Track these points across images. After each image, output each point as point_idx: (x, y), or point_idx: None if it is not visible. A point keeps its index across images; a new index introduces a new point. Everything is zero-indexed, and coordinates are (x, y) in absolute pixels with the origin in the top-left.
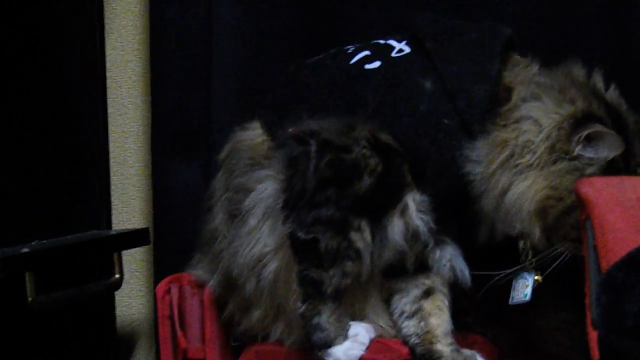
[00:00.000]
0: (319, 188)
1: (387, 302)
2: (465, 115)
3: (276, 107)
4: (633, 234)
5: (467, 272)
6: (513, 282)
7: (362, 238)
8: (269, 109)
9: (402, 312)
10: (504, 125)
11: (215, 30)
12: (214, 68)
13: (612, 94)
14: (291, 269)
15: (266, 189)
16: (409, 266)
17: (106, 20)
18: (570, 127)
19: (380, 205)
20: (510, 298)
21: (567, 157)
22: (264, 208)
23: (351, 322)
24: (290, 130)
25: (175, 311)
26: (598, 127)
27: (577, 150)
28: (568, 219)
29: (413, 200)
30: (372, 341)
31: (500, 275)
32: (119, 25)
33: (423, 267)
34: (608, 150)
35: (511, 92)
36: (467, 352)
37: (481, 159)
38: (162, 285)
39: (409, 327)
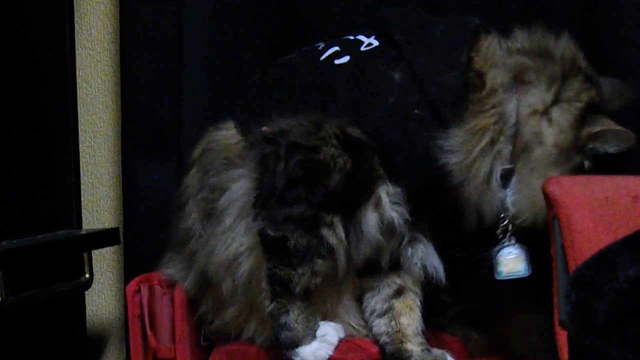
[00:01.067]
0: (288, 187)
1: (359, 300)
2: (437, 104)
3: (248, 106)
4: (601, 233)
5: (440, 270)
6: (495, 258)
7: (334, 234)
8: (242, 108)
9: (373, 311)
10: (481, 112)
11: (185, 30)
12: (184, 68)
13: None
14: (263, 270)
15: (241, 188)
16: (384, 263)
17: (76, 20)
18: (577, 121)
19: (352, 200)
20: (497, 273)
21: (576, 150)
22: (239, 207)
23: (320, 322)
24: (263, 129)
25: (146, 311)
26: (606, 123)
27: (588, 145)
28: None
29: (386, 193)
30: (341, 341)
31: (482, 254)
32: (89, 24)
33: (396, 265)
34: (618, 146)
35: (484, 77)
36: (437, 351)
37: (457, 147)
38: (132, 285)
39: (380, 325)
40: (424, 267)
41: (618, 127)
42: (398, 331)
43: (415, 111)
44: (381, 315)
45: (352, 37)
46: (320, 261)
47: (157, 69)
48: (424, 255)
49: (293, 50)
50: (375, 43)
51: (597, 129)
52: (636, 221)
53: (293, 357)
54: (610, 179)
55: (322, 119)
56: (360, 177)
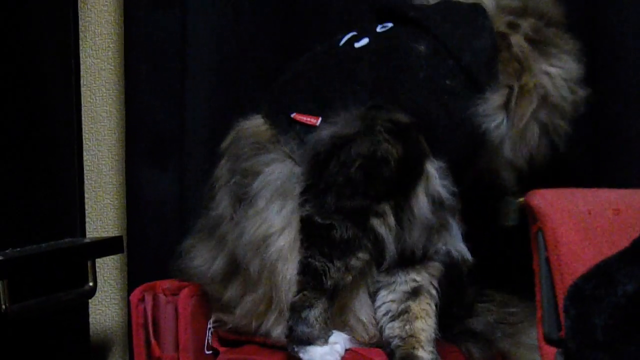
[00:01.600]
0: (348, 184)
1: (374, 295)
2: (472, 70)
3: (274, 99)
4: (585, 246)
5: (466, 253)
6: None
7: (384, 223)
8: (268, 102)
9: (388, 311)
10: (519, 71)
11: (189, 40)
12: (188, 77)
13: None
14: (293, 250)
15: (273, 171)
16: (431, 244)
17: (81, 28)
18: None
19: (405, 184)
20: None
21: None
22: (271, 190)
23: (333, 330)
24: (292, 115)
25: (149, 319)
26: None
27: None
28: None
29: (434, 168)
30: (347, 351)
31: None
32: (94, 33)
33: (416, 259)
34: None
35: (508, 38)
36: None
37: (496, 110)
38: (136, 294)
39: (394, 328)
40: (449, 252)
41: None
42: (412, 336)
43: (447, 82)
44: (396, 317)
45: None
46: (360, 255)
47: (161, 77)
48: (449, 240)
49: (297, 58)
50: (390, 25)
51: None
52: (618, 234)
53: (301, 354)
54: (592, 192)
55: (372, 116)
56: (411, 159)
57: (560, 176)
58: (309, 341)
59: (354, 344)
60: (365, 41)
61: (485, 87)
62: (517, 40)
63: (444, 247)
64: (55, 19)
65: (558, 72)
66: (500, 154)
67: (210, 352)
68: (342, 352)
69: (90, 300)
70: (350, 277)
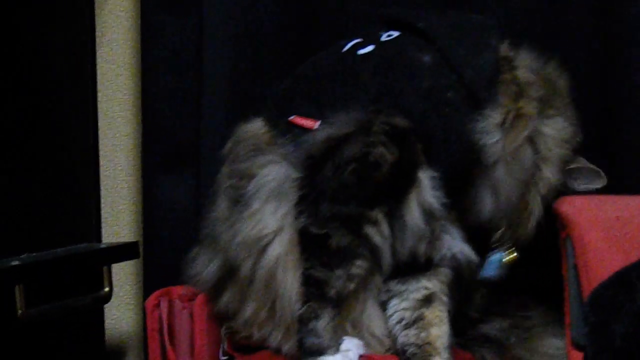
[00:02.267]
0: (340, 189)
1: (383, 305)
2: (473, 86)
3: (276, 103)
4: (614, 253)
5: (471, 254)
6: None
7: (378, 232)
8: (268, 107)
9: (401, 319)
10: (517, 94)
11: (206, 46)
12: (205, 83)
13: None
14: (291, 259)
15: (269, 173)
16: (421, 254)
17: (97, 34)
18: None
19: (397, 189)
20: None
21: None
22: (267, 192)
23: (344, 337)
24: (290, 118)
25: (165, 325)
26: (582, 162)
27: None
28: None
29: (426, 178)
30: (361, 357)
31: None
32: (110, 38)
33: (425, 267)
34: (588, 185)
35: (512, 61)
36: None
37: (493, 128)
38: (151, 299)
39: (409, 336)
40: (454, 256)
41: (593, 166)
42: (428, 343)
43: (449, 94)
44: (410, 325)
45: (369, 32)
46: (359, 262)
47: (178, 83)
48: (452, 243)
49: None
50: (396, 33)
51: (574, 165)
52: None
53: None
54: (622, 198)
55: (370, 118)
56: (405, 165)
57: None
58: (320, 352)
59: (368, 349)
60: (370, 48)
61: (485, 104)
62: (523, 70)
63: (449, 252)
64: (72, 25)
65: (551, 133)
66: (492, 175)
67: (226, 357)
68: (356, 359)
69: (105, 306)
70: (354, 285)
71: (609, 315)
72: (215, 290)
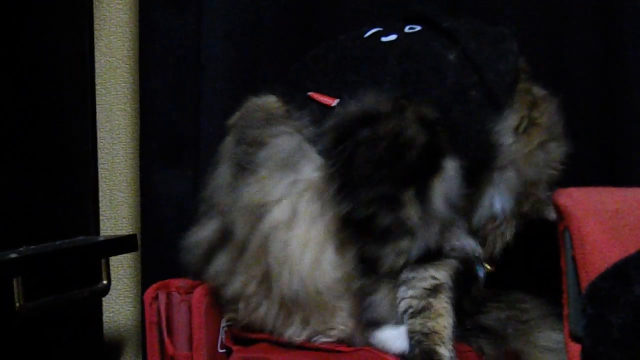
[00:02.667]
0: (377, 169)
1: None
2: (493, 88)
3: (291, 80)
4: (612, 245)
5: (475, 246)
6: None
7: (411, 215)
8: (282, 83)
9: (409, 307)
10: (533, 104)
11: (204, 39)
12: (204, 75)
13: None
14: (289, 229)
15: (281, 144)
16: (445, 241)
17: (95, 27)
18: None
19: (425, 173)
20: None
21: None
22: (276, 161)
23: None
24: (309, 94)
25: (163, 318)
26: None
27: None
28: None
29: (451, 166)
30: (361, 350)
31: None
32: (109, 31)
33: (433, 257)
34: None
35: (528, 74)
36: None
37: (508, 130)
38: (149, 292)
39: (415, 324)
40: (463, 249)
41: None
42: (435, 332)
43: (472, 92)
44: (417, 313)
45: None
46: (405, 240)
47: (176, 76)
48: (461, 236)
49: None
50: (418, 27)
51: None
52: None
53: (371, 339)
54: (620, 190)
55: (403, 102)
56: (433, 150)
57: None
58: (379, 323)
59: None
60: (393, 37)
61: (504, 106)
62: (537, 88)
63: (458, 244)
64: (70, 17)
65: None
66: (502, 176)
67: (224, 350)
68: (404, 347)
69: (103, 298)
70: (403, 260)
71: (606, 307)
72: (208, 255)
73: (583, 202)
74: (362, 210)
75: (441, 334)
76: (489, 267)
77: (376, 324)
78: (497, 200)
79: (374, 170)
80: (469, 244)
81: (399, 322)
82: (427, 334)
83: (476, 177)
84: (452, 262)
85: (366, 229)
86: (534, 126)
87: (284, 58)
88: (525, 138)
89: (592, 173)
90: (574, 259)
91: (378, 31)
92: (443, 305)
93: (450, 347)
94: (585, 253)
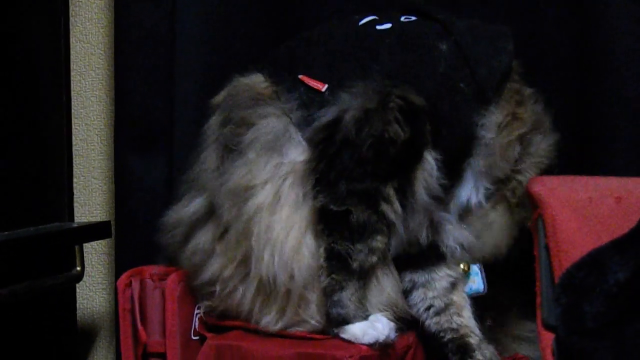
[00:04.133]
0: (358, 166)
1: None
2: (483, 84)
3: (280, 61)
4: (585, 233)
5: (470, 238)
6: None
7: (392, 209)
8: (271, 63)
9: (430, 307)
10: (519, 102)
11: (178, 25)
12: (178, 62)
13: None
14: (272, 212)
15: (268, 125)
16: (422, 239)
17: (71, 12)
18: None
19: (406, 166)
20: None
21: None
22: (263, 142)
23: (377, 314)
24: (299, 76)
25: (136, 305)
26: None
27: None
28: None
29: (431, 158)
30: (334, 337)
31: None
32: (84, 17)
33: (441, 257)
34: None
35: (521, 75)
36: (489, 346)
37: (492, 126)
38: (123, 279)
39: (441, 323)
40: (462, 245)
41: None
42: (465, 325)
43: (461, 85)
44: (441, 311)
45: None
46: (379, 237)
47: (151, 63)
48: (456, 233)
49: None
50: (414, 18)
51: None
52: (619, 222)
53: (342, 334)
54: (593, 179)
55: (387, 91)
56: (415, 143)
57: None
58: (346, 321)
59: (398, 332)
60: (387, 25)
61: (491, 102)
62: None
63: (453, 243)
64: (46, 3)
65: (536, 148)
66: (479, 168)
67: (197, 337)
68: (386, 333)
69: (77, 285)
70: (375, 258)
71: (581, 296)
72: (187, 233)
73: (557, 191)
74: (338, 204)
75: (470, 324)
76: (462, 266)
77: (343, 321)
78: (474, 191)
79: (355, 168)
80: (467, 239)
81: (366, 318)
82: (456, 329)
83: (455, 168)
84: (461, 253)
85: (340, 224)
86: (516, 120)
87: (259, 43)
88: (506, 131)
89: (566, 162)
90: (547, 247)
91: (373, 19)
92: (463, 297)
93: (478, 332)
94: (558, 241)
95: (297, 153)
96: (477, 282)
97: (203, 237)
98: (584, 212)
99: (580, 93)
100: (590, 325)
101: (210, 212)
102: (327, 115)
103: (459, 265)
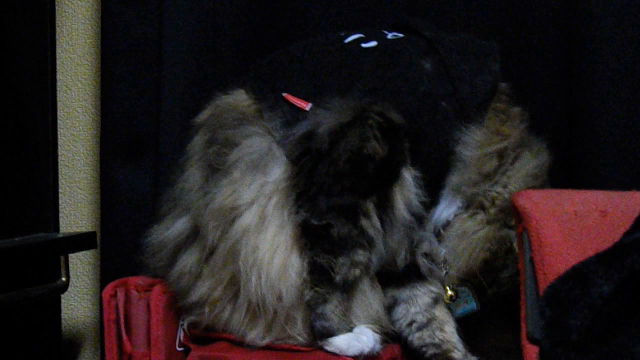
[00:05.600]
0: (336, 181)
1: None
2: (465, 102)
3: (262, 78)
4: (570, 247)
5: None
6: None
7: (371, 225)
8: (254, 79)
9: (412, 322)
10: (506, 120)
11: (165, 36)
12: (164, 74)
13: None
14: (259, 233)
15: (252, 144)
16: (400, 261)
17: (57, 23)
18: None
19: (383, 183)
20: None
21: None
22: (247, 162)
23: (362, 326)
24: (283, 94)
25: (121, 315)
26: None
27: None
28: None
29: (410, 176)
30: (319, 349)
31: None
32: (70, 27)
33: (422, 276)
34: None
35: (509, 96)
36: (473, 358)
37: (473, 144)
38: (108, 289)
39: (423, 338)
40: (441, 264)
41: None
42: (447, 341)
43: (443, 103)
44: (423, 326)
45: (372, 29)
46: (360, 251)
47: (137, 73)
48: (434, 253)
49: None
50: (401, 35)
51: None
52: (604, 236)
53: (326, 347)
54: (579, 193)
55: (365, 107)
56: (392, 162)
57: None
58: (330, 334)
59: (383, 344)
60: (373, 44)
61: (473, 121)
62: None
63: (427, 256)
64: (32, 14)
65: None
66: (457, 184)
67: (182, 349)
68: (370, 345)
69: (62, 295)
70: (358, 272)
71: (564, 309)
72: (173, 255)
73: (542, 204)
74: (318, 219)
75: (452, 340)
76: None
77: (327, 334)
78: (451, 206)
79: (333, 182)
80: (442, 256)
81: (350, 330)
82: (438, 344)
83: (435, 186)
84: (441, 274)
85: (322, 238)
86: (497, 135)
87: (247, 54)
88: (484, 146)
89: (551, 175)
90: (532, 260)
91: (359, 37)
92: (445, 312)
93: (461, 348)
94: (543, 255)
95: (281, 172)
96: (469, 301)
97: (189, 260)
98: (569, 225)
99: (566, 105)
100: (575, 338)
101: (195, 233)
102: (300, 129)
103: (446, 291)
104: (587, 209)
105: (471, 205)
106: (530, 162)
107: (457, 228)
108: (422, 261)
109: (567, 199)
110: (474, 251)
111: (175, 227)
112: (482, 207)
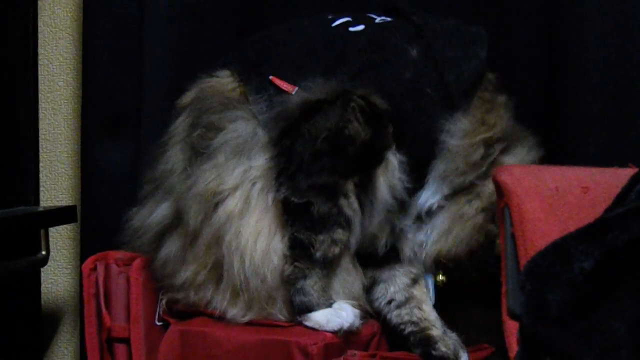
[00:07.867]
0: (315, 159)
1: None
2: (451, 89)
3: (247, 59)
4: (551, 222)
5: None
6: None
7: (349, 205)
8: (238, 60)
9: (391, 300)
10: (492, 109)
11: (147, 10)
12: (146, 48)
13: None
14: (242, 218)
15: (237, 129)
16: (380, 247)
17: None
18: None
19: (366, 166)
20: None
21: None
22: (231, 147)
23: (342, 302)
24: (270, 77)
25: (101, 289)
26: None
27: None
28: None
29: (395, 159)
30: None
31: None
32: (52, 2)
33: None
34: None
35: (495, 85)
36: (452, 334)
37: (458, 132)
38: (88, 263)
39: (402, 315)
40: (420, 251)
41: None
42: (425, 319)
43: (428, 90)
44: (402, 305)
45: (361, 13)
46: (339, 230)
47: (119, 48)
48: (415, 239)
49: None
50: (389, 19)
51: None
52: (585, 212)
53: (305, 322)
54: (560, 169)
55: (347, 89)
56: (375, 145)
57: None
58: (309, 309)
59: (362, 320)
60: (360, 27)
61: (459, 108)
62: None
63: (415, 248)
64: None
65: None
66: (442, 172)
67: (161, 323)
68: (350, 320)
69: (42, 269)
70: (338, 249)
71: (545, 284)
72: (157, 240)
73: (523, 180)
74: (299, 197)
75: (430, 318)
76: (441, 277)
77: (306, 309)
78: (435, 195)
79: (312, 161)
80: (422, 243)
81: (329, 305)
82: (416, 322)
83: (420, 172)
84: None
85: (302, 215)
86: (483, 125)
87: (226, 31)
88: (471, 135)
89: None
90: (513, 236)
91: (347, 21)
92: (423, 291)
93: (440, 326)
94: (524, 230)
95: (266, 157)
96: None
97: (173, 246)
98: (551, 201)
99: (548, 81)
100: (555, 313)
101: (178, 218)
102: (276, 108)
103: (438, 275)
104: (568, 184)
105: (469, 191)
106: (527, 156)
107: (452, 211)
108: (403, 247)
109: (549, 175)
110: (468, 236)
111: (158, 212)
112: (479, 195)
